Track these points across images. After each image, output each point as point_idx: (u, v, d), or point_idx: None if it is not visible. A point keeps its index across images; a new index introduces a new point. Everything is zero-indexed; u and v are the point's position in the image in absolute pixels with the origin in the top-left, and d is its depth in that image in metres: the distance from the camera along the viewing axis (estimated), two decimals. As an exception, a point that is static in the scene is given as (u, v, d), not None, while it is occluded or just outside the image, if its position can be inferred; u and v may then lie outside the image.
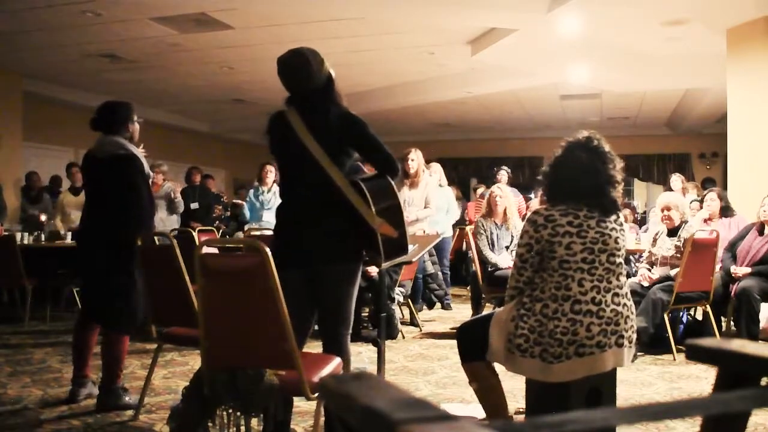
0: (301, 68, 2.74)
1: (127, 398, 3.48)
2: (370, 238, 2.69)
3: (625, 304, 2.54)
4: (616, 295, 2.52)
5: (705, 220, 5.97)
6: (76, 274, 3.61)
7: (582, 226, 2.51)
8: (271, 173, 7.31)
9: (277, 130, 2.82)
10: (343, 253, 2.75)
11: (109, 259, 3.46)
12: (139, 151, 3.56)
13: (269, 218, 7.23)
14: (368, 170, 3.01)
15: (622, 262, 2.60)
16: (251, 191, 7.52)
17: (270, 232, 6.03)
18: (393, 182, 2.78)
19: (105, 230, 3.47)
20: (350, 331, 2.85)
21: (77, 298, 6.03)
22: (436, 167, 7.37)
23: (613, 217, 2.59)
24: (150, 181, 3.63)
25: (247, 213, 7.52)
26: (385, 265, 2.77)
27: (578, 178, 2.56)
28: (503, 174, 8.80)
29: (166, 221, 7.52)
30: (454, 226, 8.06)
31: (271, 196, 7.26)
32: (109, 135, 3.52)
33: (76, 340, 3.62)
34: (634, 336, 2.59)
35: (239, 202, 9.06)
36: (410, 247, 3.25)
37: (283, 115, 2.79)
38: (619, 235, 2.57)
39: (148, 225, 3.52)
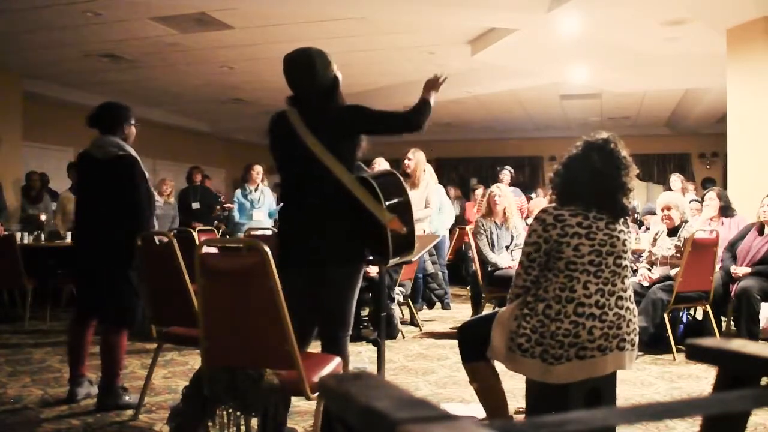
0: (304, 68, 2.74)
1: (126, 397, 3.48)
2: (375, 237, 2.68)
3: (627, 308, 2.52)
4: (620, 298, 2.50)
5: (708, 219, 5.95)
6: (73, 272, 3.63)
7: (591, 228, 2.46)
8: (259, 173, 7.52)
9: (278, 129, 2.81)
10: (349, 255, 2.74)
11: (110, 257, 3.49)
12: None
13: (259, 217, 7.35)
14: (371, 171, 3.01)
15: (628, 264, 2.57)
16: (238, 191, 7.81)
17: (263, 231, 6.13)
18: (402, 178, 2.79)
19: (106, 229, 3.49)
20: (349, 332, 2.85)
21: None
22: (427, 167, 7.35)
23: (621, 220, 2.56)
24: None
25: (236, 214, 7.66)
26: (390, 263, 2.76)
27: (590, 182, 2.50)
28: (506, 174, 8.82)
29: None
30: (455, 225, 8.05)
31: (259, 195, 7.48)
32: (107, 135, 3.56)
33: (71, 338, 3.64)
34: (636, 338, 2.57)
35: (229, 206, 9.18)
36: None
37: (284, 115, 2.78)
38: (626, 237, 2.55)
39: (148, 224, 3.55)
